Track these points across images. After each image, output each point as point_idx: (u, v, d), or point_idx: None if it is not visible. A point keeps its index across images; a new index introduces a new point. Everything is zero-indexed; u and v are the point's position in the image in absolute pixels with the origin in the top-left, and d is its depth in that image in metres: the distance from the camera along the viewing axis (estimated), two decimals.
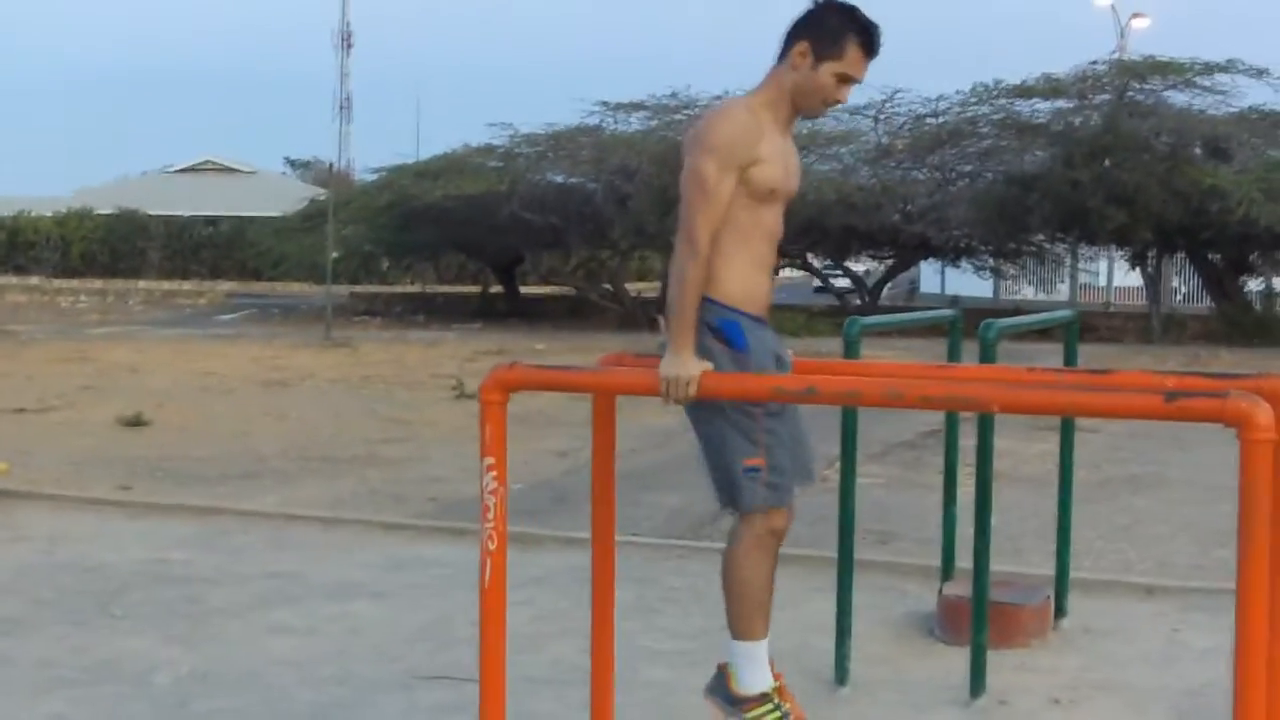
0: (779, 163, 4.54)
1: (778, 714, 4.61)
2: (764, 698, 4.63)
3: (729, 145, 4.43)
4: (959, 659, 6.11)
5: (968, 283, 41.73)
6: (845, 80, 4.53)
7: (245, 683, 6.01)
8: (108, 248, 53.81)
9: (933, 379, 4.58)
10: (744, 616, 4.61)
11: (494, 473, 4.06)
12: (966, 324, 6.81)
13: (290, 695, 5.87)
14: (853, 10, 4.58)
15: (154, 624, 6.88)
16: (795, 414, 4.67)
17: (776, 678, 4.70)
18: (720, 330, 4.45)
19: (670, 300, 4.37)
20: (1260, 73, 31.61)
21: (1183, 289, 42.18)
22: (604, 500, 4.66)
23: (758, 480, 4.50)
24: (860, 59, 4.52)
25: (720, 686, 4.69)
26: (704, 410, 4.52)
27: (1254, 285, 35.16)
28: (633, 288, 39.52)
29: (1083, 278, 43.67)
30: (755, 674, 4.62)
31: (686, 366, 4.21)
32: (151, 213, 54.66)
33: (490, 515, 4.05)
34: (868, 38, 4.53)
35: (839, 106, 4.70)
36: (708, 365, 4.25)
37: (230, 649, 6.50)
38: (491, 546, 4.06)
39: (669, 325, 4.33)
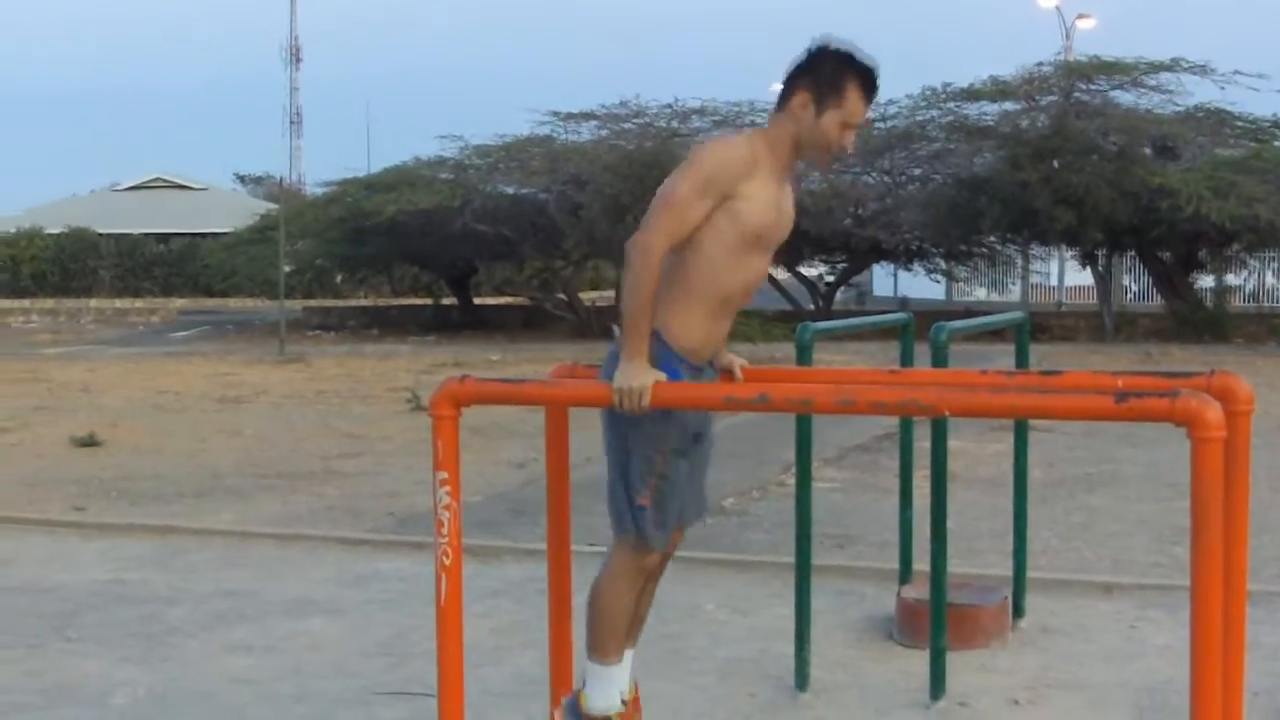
0: (769, 206, 4.46)
1: None
2: None
3: (713, 171, 4.38)
4: (919, 661, 6.12)
5: (920, 285, 41.87)
6: (849, 127, 4.49)
7: (203, 702, 5.98)
8: (58, 267, 53.49)
9: (884, 384, 4.59)
10: (599, 638, 4.69)
11: (447, 488, 4.04)
12: (919, 326, 6.84)
13: (248, 714, 5.84)
14: (850, 55, 4.50)
15: (110, 645, 6.83)
16: (702, 457, 4.75)
17: (634, 703, 4.79)
18: (656, 367, 4.42)
19: (623, 309, 4.34)
20: (1204, 70, 31.84)
21: (1134, 287, 42.40)
22: (559, 512, 4.66)
23: (645, 519, 4.55)
24: (861, 103, 4.48)
25: (572, 702, 4.77)
26: (616, 434, 4.56)
27: (1204, 282, 35.39)
28: (587, 297, 39.51)
29: (1034, 278, 43.85)
30: (603, 695, 4.71)
31: (640, 376, 4.17)
32: (102, 231, 54.36)
33: (445, 530, 4.04)
34: (867, 81, 4.49)
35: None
36: (661, 375, 4.21)
37: (187, 668, 6.46)
38: (447, 562, 4.04)
39: (621, 334, 4.31)
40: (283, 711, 5.87)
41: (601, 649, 4.68)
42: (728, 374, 4.68)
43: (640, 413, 4.21)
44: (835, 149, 4.54)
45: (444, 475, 4.05)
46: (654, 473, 4.51)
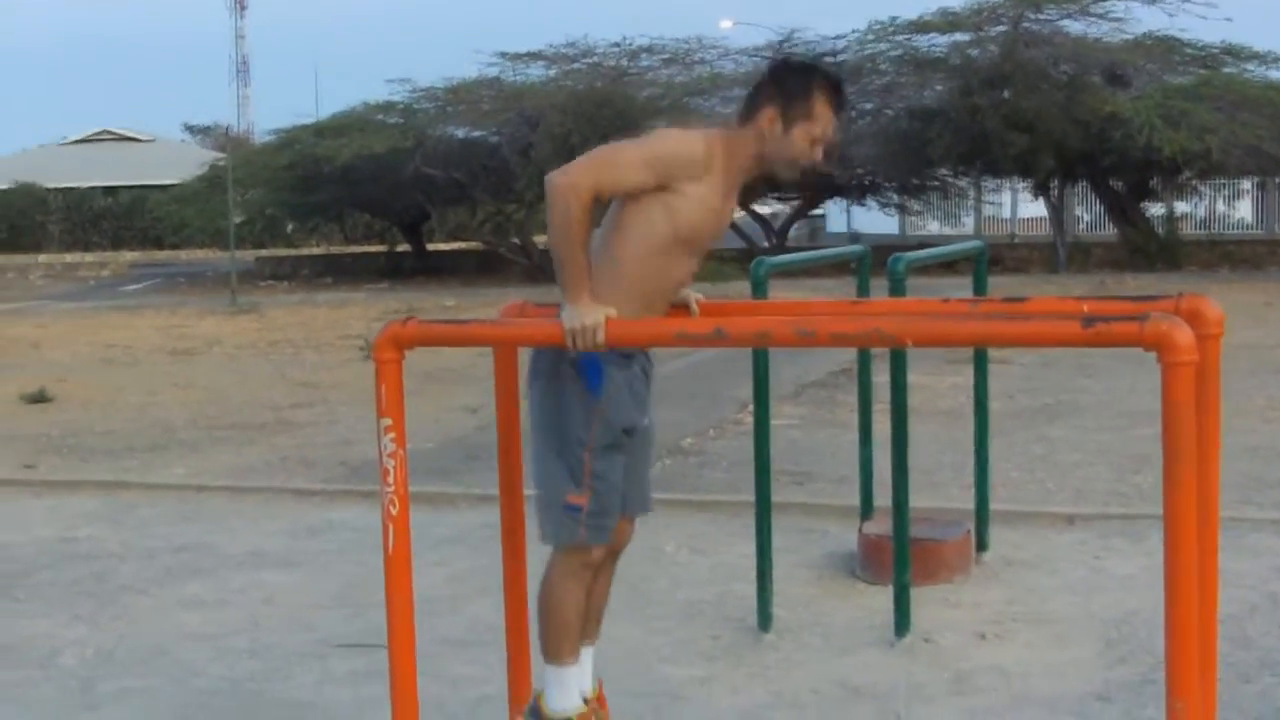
0: (708, 212, 4.34)
1: None
2: None
3: (666, 155, 4.25)
4: (882, 598, 6.05)
5: (874, 220, 41.82)
6: (819, 140, 4.38)
7: (154, 659, 5.86)
8: (6, 222, 53.02)
9: (844, 315, 4.48)
10: (552, 641, 4.57)
11: (392, 434, 3.91)
12: (874, 261, 6.73)
13: (201, 670, 5.73)
14: (814, 68, 4.46)
15: (60, 604, 6.70)
16: (639, 448, 4.59)
17: (598, 700, 4.70)
18: (578, 364, 4.31)
19: (554, 250, 4.17)
20: None
21: (1086, 217, 42.47)
22: (510, 455, 4.53)
23: (578, 519, 4.41)
24: (830, 117, 4.36)
25: (533, 707, 4.66)
26: (539, 431, 4.43)
27: (1156, 210, 35.46)
28: (540, 240, 39.30)
29: (987, 210, 43.87)
30: (562, 698, 4.59)
31: (591, 314, 4.01)
32: (50, 185, 53.88)
33: (390, 479, 3.90)
34: (834, 94, 4.38)
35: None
36: (611, 311, 4.05)
37: (139, 626, 6.34)
38: (394, 511, 3.91)
39: (559, 276, 4.14)
40: (236, 667, 5.76)
41: (556, 651, 4.57)
42: (684, 308, 4.56)
43: (596, 350, 4.06)
44: (805, 161, 4.43)
45: (388, 422, 3.91)
46: (587, 472, 4.38)
